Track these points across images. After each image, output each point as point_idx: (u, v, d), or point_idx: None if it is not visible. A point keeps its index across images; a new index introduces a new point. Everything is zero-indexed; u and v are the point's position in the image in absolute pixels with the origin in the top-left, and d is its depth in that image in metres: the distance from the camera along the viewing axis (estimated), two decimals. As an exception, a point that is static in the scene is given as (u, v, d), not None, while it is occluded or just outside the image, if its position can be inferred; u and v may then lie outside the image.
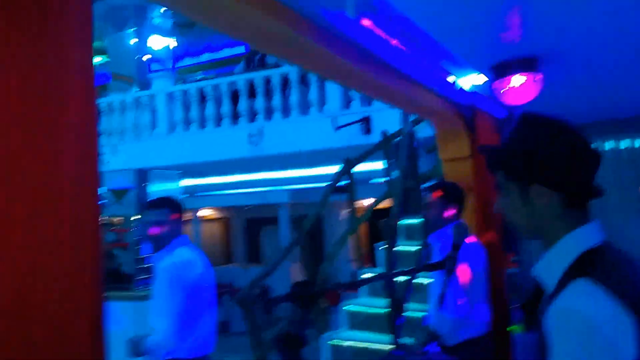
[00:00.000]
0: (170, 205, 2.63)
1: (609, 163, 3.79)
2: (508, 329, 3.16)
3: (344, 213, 8.74)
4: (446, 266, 1.87)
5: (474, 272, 2.60)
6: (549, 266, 1.07)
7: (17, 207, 1.07)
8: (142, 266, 8.08)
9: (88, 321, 1.17)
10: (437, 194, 2.70)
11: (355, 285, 2.03)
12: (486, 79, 2.80)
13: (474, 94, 3.19)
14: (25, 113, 1.10)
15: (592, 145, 1.09)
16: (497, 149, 1.17)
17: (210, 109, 7.86)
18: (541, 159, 1.07)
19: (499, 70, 2.51)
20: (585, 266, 1.01)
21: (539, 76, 2.49)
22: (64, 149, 1.17)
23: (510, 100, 2.55)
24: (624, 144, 3.79)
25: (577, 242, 1.05)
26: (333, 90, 6.75)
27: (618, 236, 1.42)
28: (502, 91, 2.57)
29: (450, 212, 2.66)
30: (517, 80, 2.45)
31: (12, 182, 1.07)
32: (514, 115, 3.50)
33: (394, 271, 3.70)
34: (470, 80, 2.90)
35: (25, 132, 1.09)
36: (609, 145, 3.81)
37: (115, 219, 11.93)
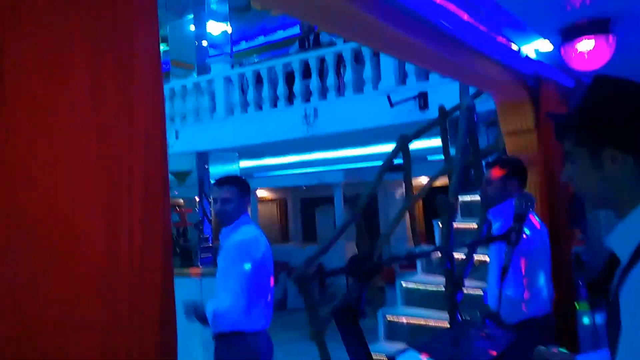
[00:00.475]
0: (238, 183, 2.69)
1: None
2: (575, 305, 3.04)
3: (400, 191, 8.66)
4: (510, 239, 1.81)
5: (536, 249, 2.51)
6: (625, 236, 1.01)
7: (92, 191, 1.12)
8: (204, 245, 8.39)
9: (159, 295, 1.23)
10: (497, 169, 2.62)
11: (412, 256, 2.01)
12: (552, 45, 2.65)
13: (538, 62, 3.03)
14: (101, 98, 1.15)
15: None
16: (567, 113, 1.12)
17: (265, 90, 7.95)
18: (615, 120, 1.02)
19: (567, 34, 2.37)
20: None
21: (612, 39, 2.32)
22: (134, 131, 1.21)
23: (579, 67, 2.40)
24: None
25: None
26: (387, 66, 6.64)
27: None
28: (570, 57, 2.42)
29: (510, 187, 2.57)
30: (587, 44, 2.30)
31: (86, 166, 1.11)
32: (583, 83, 3.30)
33: (453, 244, 3.63)
34: (535, 47, 2.76)
35: (99, 117, 1.14)
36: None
37: (179, 200, 12.43)
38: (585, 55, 2.31)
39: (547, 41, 2.61)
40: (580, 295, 3.20)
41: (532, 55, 2.90)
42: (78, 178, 1.10)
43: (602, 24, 2.32)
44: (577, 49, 2.33)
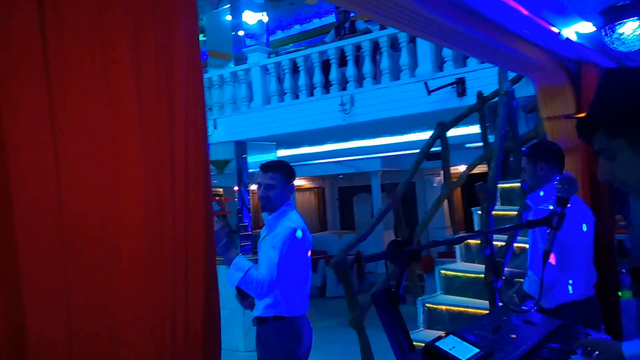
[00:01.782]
0: (282, 169, 2.67)
1: None
2: (618, 293, 2.98)
3: (438, 179, 8.58)
4: (552, 223, 1.80)
5: (578, 233, 2.48)
6: None
7: (135, 175, 1.16)
8: (243, 233, 8.55)
9: (202, 281, 1.26)
10: (526, 155, 2.62)
11: (451, 242, 2.02)
12: (593, 27, 2.59)
13: (579, 44, 2.96)
14: (144, 87, 1.19)
15: None
16: (592, 111, 1.10)
17: (302, 79, 7.99)
18: None
19: (609, 16, 2.31)
20: None
21: (656, 19, 2.26)
22: (175, 118, 1.25)
23: (621, 49, 2.33)
24: None
25: None
26: (424, 53, 6.56)
27: None
28: (611, 39, 2.36)
29: (542, 172, 2.56)
30: (629, 25, 2.24)
31: (129, 152, 1.15)
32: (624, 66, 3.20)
33: (494, 229, 3.60)
34: (575, 30, 2.69)
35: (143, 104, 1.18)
36: None
37: (219, 190, 12.67)
38: (628, 37, 2.25)
39: (588, 23, 2.54)
40: (624, 282, 3.13)
41: (573, 38, 2.83)
42: (123, 164, 1.14)
43: (647, 5, 2.25)
44: (619, 31, 2.27)
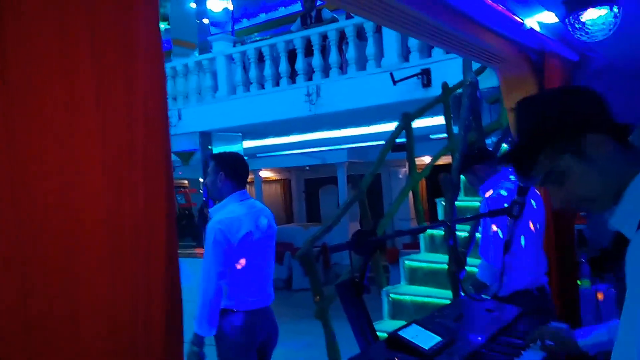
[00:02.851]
0: (217, 158, 2.64)
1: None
2: (576, 282, 3.05)
3: (403, 170, 8.64)
4: (513, 212, 1.81)
5: (530, 223, 2.53)
6: (628, 212, 0.99)
7: (95, 164, 1.12)
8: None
9: (164, 271, 1.22)
10: (459, 165, 2.77)
11: (415, 231, 2.01)
12: (556, 17, 2.60)
13: (542, 35, 2.98)
14: (101, 73, 1.14)
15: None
16: (524, 141, 1.08)
17: (268, 69, 7.89)
18: (578, 108, 1.03)
19: (572, 5, 2.32)
20: None
21: (617, 9, 2.28)
22: (135, 106, 1.20)
23: (584, 39, 2.35)
24: None
25: None
26: (390, 43, 6.56)
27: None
28: (574, 29, 2.38)
29: (482, 173, 2.72)
30: (593, 14, 2.25)
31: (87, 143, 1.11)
32: (588, 57, 3.25)
33: (455, 219, 3.64)
34: (538, 19, 2.70)
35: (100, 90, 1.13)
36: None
37: (183, 181, 12.46)
38: (591, 27, 2.27)
39: (551, 13, 2.55)
40: (583, 272, 3.21)
41: (536, 28, 2.85)
42: (81, 154, 1.10)
43: (608, -5, 2.27)
44: (581, 21, 2.29)
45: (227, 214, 2.53)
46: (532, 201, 2.58)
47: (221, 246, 2.46)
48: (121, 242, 1.15)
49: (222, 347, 2.56)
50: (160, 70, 1.29)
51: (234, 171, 2.62)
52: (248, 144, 9.71)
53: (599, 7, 2.23)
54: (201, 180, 9.43)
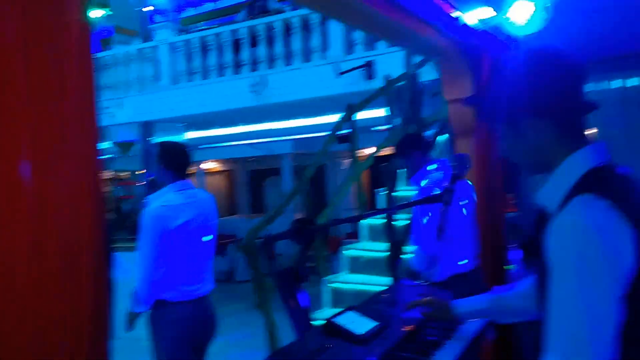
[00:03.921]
0: (158, 150, 2.61)
1: (616, 102, 3.69)
2: (505, 267, 3.20)
3: (347, 161, 8.72)
4: (444, 199, 1.86)
5: (461, 209, 2.62)
6: (553, 189, 1.05)
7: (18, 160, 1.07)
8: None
9: (90, 274, 1.18)
10: (394, 149, 2.84)
11: (352, 219, 2.04)
12: (493, 12, 2.70)
13: (479, 30, 3.08)
14: (26, 65, 1.08)
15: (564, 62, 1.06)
16: (481, 96, 1.15)
17: (212, 58, 7.74)
18: (527, 91, 1.05)
19: (506, 1, 2.41)
20: (589, 184, 0.99)
21: (547, 4, 2.39)
22: (64, 100, 1.15)
23: (517, 33, 2.46)
24: (631, 82, 3.67)
25: (581, 162, 1.03)
26: (335, 35, 6.60)
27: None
28: (508, 24, 2.48)
29: (413, 160, 2.78)
30: (524, 9, 2.35)
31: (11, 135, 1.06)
32: (517, 49, 3.39)
33: (394, 206, 3.72)
34: (476, 15, 2.79)
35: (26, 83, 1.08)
36: (615, 83, 3.69)
37: (123, 173, 12.04)
38: (523, 22, 2.37)
39: (488, 8, 2.65)
40: (513, 257, 3.36)
41: (474, 23, 2.94)
42: (9, 149, 1.06)
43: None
44: (515, 16, 2.39)
45: (162, 202, 2.50)
46: (463, 189, 2.68)
47: (154, 234, 2.42)
48: (46, 238, 1.11)
49: (157, 341, 2.51)
50: (90, 67, 1.25)
51: (173, 161, 2.59)
52: (192, 134, 9.50)
53: (530, 1, 2.33)
54: (142, 172, 9.16)
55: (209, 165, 11.89)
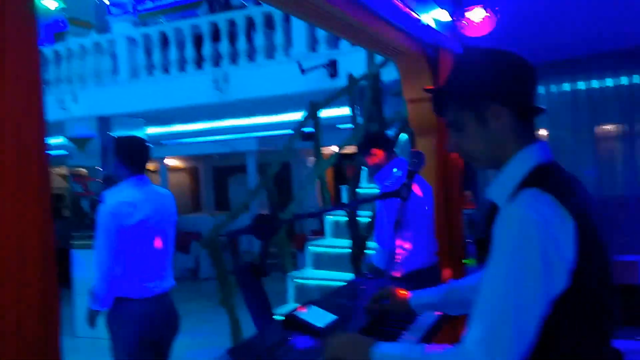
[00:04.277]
0: (114, 145, 2.58)
1: (565, 105, 3.85)
2: (463, 261, 3.30)
3: (311, 159, 8.76)
4: (402, 194, 1.90)
5: (419, 206, 2.70)
6: (503, 184, 1.09)
7: None
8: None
9: (36, 274, 1.15)
10: (357, 147, 2.90)
11: (314, 214, 2.06)
12: (449, 15, 2.77)
13: (437, 31, 3.16)
14: None
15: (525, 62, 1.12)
16: (445, 84, 1.17)
17: (173, 53, 7.62)
18: (492, 78, 1.10)
19: (461, 3, 2.49)
20: (536, 179, 1.04)
21: (497, 8, 2.49)
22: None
23: (471, 34, 2.54)
24: (580, 85, 3.84)
25: (529, 157, 1.08)
26: (299, 32, 6.61)
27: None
28: (463, 26, 2.56)
29: (377, 159, 2.84)
30: (475, 12, 2.44)
31: None
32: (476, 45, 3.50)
33: (353, 202, 3.77)
34: (433, 16, 2.87)
35: None
36: (565, 86, 3.85)
37: (81, 170, 11.68)
38: (475, 24, 2.46)
39: (443, 10, 2.72)
40: (470, 252, 3.47)
41: (432, 24, 3.02)
42: None
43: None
44: (469, 18, 2.47)
45: (120, 198, 2.46)
46: (421, 186, 2.75)
47: (111, 230, 2.39)
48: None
49: (116, 339, 2.48)
50: (35, 59, 1.21)
51: (130, 156, 2.54)
52: (152, 130, 9.32)
53: (482, 5, 2.42)
54: (100, 168, 8.92)
55: (173, 162, 11.70)
